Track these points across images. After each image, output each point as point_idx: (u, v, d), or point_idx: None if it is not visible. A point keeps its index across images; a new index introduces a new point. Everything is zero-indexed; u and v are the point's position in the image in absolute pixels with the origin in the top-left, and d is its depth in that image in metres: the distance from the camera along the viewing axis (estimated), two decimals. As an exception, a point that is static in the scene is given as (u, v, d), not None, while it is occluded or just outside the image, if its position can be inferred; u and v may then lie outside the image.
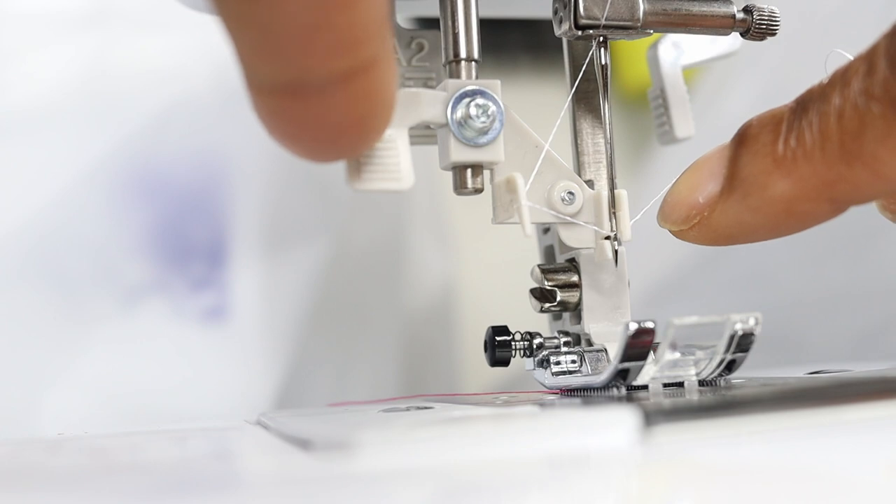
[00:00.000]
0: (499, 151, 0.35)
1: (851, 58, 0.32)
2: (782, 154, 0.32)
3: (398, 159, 0.33)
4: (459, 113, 0.35)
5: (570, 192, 0.38)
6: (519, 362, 0.40)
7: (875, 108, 0.30)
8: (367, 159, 0.32)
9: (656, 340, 0.34)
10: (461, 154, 0.35)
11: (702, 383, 0.36)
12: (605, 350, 0.38)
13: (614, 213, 0.38)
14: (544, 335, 0.40)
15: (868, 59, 0.30)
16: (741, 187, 0.33)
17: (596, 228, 0.38)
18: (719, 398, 0.32)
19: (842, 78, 0.31)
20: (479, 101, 0.35)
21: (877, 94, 0.30)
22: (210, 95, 0.55)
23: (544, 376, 0.39)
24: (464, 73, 0.36)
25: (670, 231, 0.35)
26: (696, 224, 0.34)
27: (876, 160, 0.30)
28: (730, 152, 0.34)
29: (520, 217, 0.35)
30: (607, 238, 0.38)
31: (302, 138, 0.29)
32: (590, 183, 0.39)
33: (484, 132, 0.35)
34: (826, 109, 0.31)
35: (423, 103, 0.34)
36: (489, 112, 0.35)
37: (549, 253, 0.42)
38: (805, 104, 0.32)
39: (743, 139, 0.34)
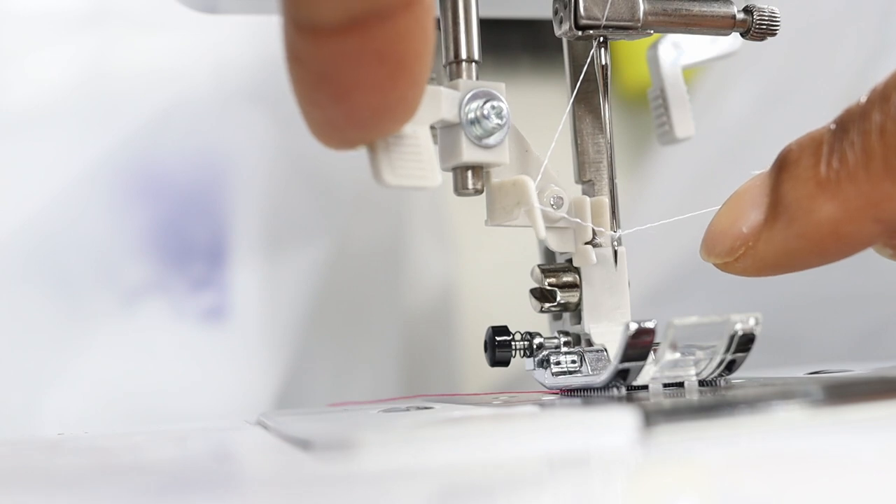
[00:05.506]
0: (504, 153, 0.35)
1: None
2: (825, 176, 0.31)
3: (425, 156, 0.33)
4: (473, 113, 0.35)
5: (559, 197, 0.38)
6: (519, 362, 0.40)
7: None
8: (395, 155, 0.32)
9: (656, 340, 0.34)
10: (472, 154, 0.35)
11: (702, 383, 0.36)
12: (605, 350, 0.38)
13: (613, 213, 0.38)
14: (544, 335, 0.40)
15: None
16: (785, 214, 0.32)
17: (620, 233, 0.38)
18: (719, 398, 0.32)
19: (881, 94, 0.31)
20: (493, 102, 0.35)
21: None
22: (210, 95, 0.55)
23: (544, 376, 0.39)
24: (464, 74, 0.36)
25: (714, 265, 0.34)
26: (741, 255, 0.33)
27: None
28: (770, 179, 0.33)
29: (532, 219, 0.35)
30: (588, 243, 0.38)
31: (357, 85, 0.28)
32: (590, 183, 0.40)
33: (493, 133, 0.35)
34: (867, 128, 0.30)
35: (442, 101, 0.34)
36: (502, 114, 0.35)
37: (549, 253, 0.42)
38: (845, 124, 0.31)
39: (783, 164, 0.33)
